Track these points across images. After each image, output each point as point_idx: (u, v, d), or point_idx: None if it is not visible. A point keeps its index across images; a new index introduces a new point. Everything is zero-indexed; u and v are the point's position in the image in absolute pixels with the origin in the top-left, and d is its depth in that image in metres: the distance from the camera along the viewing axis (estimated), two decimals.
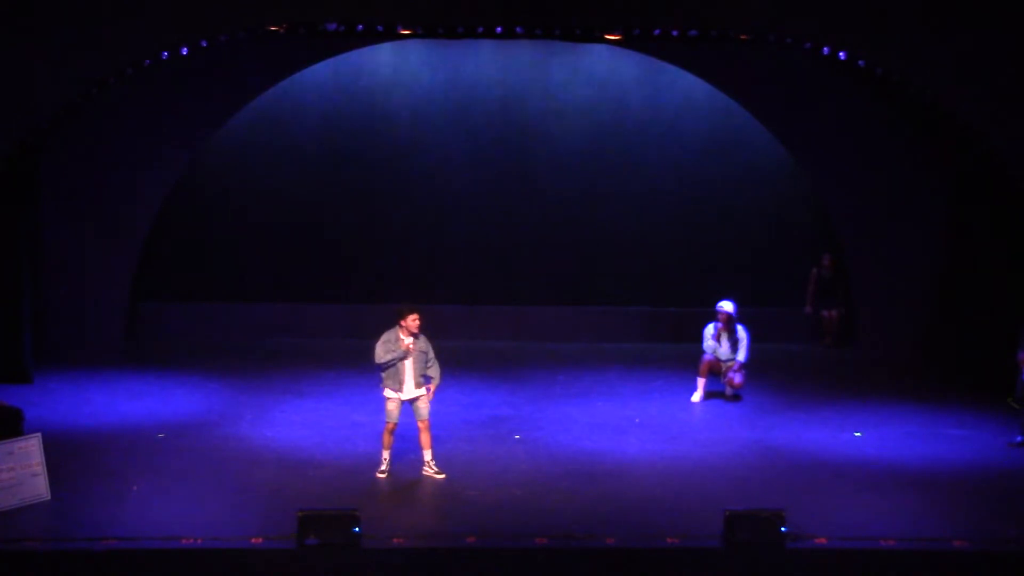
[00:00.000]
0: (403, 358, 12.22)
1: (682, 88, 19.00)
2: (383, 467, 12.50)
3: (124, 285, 17.44)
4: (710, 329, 15.64)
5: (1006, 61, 14.19)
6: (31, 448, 11.59)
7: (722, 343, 15.55)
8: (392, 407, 12.37)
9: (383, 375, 12.35)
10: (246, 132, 18.73)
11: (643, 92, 19.19)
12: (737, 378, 15.51)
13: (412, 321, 12.16)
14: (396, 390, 12.30)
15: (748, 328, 15.57)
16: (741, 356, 15.45)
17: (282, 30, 14.26)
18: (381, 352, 12.20)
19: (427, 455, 12.58)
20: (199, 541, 10.68)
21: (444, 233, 19.31)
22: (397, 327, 12.23)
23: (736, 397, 15.68)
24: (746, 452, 13.67)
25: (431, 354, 12.43)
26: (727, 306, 15.53)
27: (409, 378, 12.31)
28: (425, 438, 12.53)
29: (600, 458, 13.27)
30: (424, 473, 12.54)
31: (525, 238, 19.40)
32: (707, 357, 15.64)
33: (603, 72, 19.14)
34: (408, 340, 12.20)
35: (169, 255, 18.74)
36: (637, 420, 14.92)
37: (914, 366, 17.48)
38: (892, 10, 14.22)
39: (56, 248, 17.01)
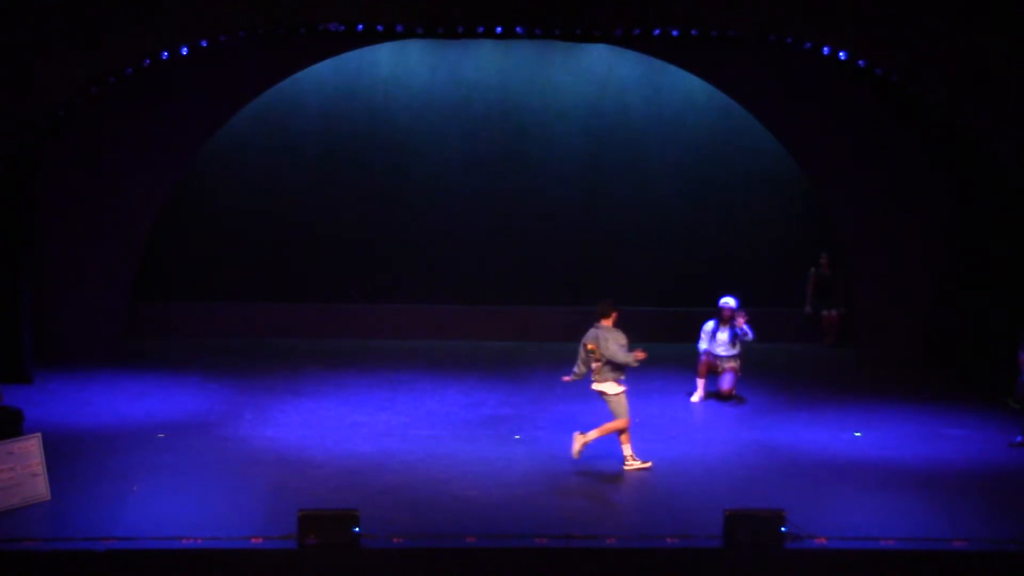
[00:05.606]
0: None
1: (682, 88, 19.02)
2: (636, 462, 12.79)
3: (124, 285, 17.44)
4: (709, 325, 15.62)
5: (1007, 62, 14.19)
6: (31, 448, 11.58)
7: (718, 338, 15.51)
8: (626, 398, 12.79)
9: (618, 370, 12.71)
10: (246, 132, 18.73)
11: (643, 92, 19.20)
12: (726, 384, 15.51)
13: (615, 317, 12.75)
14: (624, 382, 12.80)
15: (752, 328, 15.55)
16: (739, 347, 15.50)
17: (282, 30, 14.27)
18: (626, 350, 12.62)
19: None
20: (199, 541, 10.67)
21: (444, 232, 19.31)
22: (613, 324, 12.75)
23: (732, 397, 15.64)
24: (746, 452, 13.67)
25: None
26: (731, 301, 15.53)
27: None
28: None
29: (600, 458, 13.27)
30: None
31: (525, 238, 19.40)
32: (704, 357, 15.61)
33: (603, 72, 19.14)
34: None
35: (169, 255, 18.75)
36: (636, 420, 14.89)
37: (914, 366, 17.48)
38: (892, 10, 14.22)
39: (56, 248, 17.01)
